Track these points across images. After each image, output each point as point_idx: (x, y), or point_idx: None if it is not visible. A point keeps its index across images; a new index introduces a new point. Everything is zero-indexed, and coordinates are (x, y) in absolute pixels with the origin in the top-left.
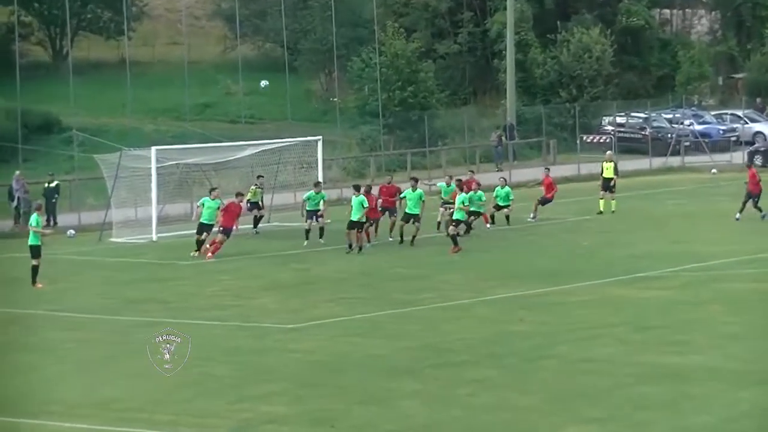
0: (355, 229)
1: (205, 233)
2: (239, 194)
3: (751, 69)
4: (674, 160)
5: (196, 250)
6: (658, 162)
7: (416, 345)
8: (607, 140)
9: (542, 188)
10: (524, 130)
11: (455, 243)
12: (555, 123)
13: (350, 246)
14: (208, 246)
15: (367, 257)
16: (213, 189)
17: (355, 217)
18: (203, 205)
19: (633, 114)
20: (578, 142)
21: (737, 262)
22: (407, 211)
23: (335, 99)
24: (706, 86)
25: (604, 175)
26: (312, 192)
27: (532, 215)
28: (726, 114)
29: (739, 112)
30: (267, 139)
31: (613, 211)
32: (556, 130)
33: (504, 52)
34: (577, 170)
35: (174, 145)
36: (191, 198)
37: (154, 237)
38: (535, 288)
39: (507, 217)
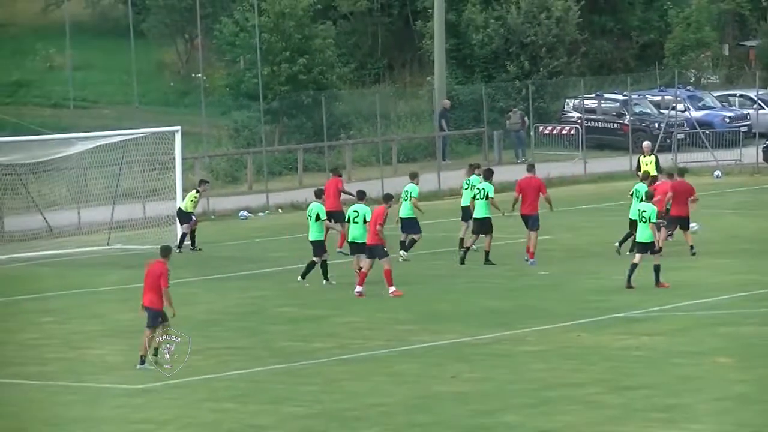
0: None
1: None
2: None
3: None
4: (662, 160)
5: None
6: None
7: (312, 413)
8: (572, 131)
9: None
10: (458, 117)
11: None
12: (500, 108)
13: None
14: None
15: (244, 292)
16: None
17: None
18: None
19: (607, 96)
20: (532, 133)
21: (747, 299)
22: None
23: (198, 75)
24: (707, 58)
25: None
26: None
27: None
28: (734, 96)
29: (752, 93)
30: (104, 129)
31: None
32: (502, 118)
33: (430, 10)
34: None
35: None
36: (0, 213)
37: None
38: (471, 334)
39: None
